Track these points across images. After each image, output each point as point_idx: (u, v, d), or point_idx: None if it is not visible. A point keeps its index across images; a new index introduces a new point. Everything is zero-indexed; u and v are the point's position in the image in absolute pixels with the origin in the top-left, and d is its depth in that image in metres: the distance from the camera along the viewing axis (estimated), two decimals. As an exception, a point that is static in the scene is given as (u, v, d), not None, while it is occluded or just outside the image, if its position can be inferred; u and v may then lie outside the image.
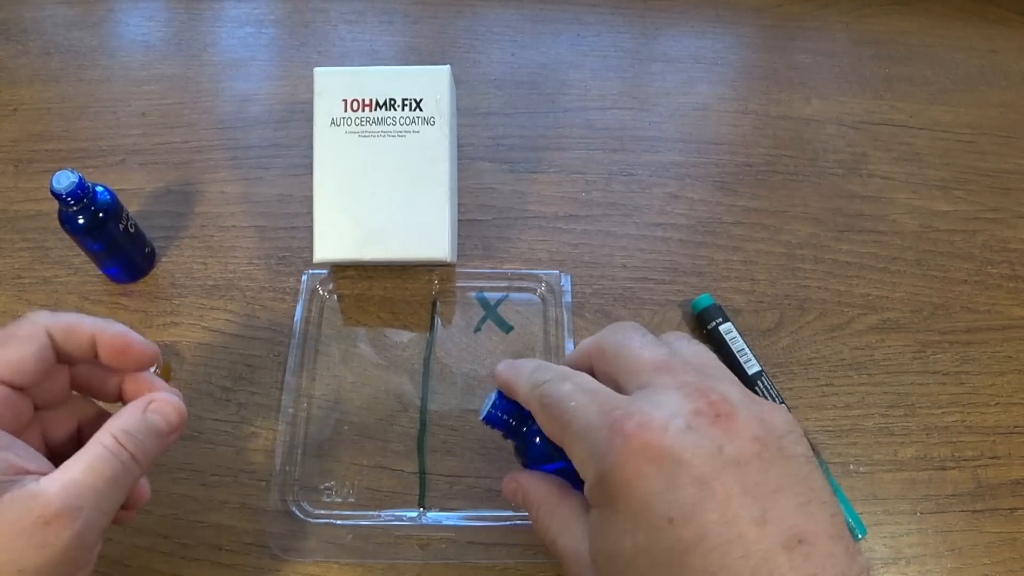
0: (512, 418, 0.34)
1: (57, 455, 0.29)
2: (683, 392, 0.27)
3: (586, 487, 0.28)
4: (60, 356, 0.30)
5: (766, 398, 0.42)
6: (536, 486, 0.32)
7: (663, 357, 0.29)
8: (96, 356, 0.31)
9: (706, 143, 0.52)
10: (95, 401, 0.33)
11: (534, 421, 0.33)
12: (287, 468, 0.40)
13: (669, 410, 0.27)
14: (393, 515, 0.39)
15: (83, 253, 0.43)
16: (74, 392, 0.33)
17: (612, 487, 0.27)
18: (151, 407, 0.30)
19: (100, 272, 0.46)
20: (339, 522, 0.39)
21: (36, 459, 0.28)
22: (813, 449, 0.40)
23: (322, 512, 0.39)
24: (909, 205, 0.50)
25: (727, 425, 0.26)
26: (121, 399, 0.33)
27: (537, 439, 0.33)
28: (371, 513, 0.39)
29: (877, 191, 0.51)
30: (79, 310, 0.45)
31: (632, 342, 0.31)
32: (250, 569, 0.39)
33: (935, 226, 0.50)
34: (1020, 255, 0.49)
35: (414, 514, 0.39)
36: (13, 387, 0.29)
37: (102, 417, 0.31)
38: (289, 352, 0.42)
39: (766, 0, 0.59)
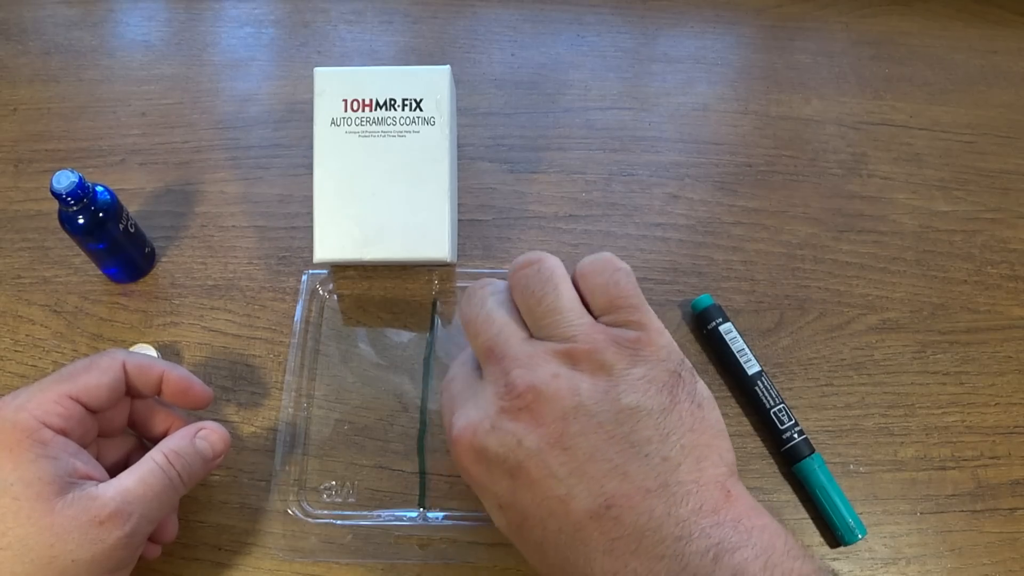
0: None
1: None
2: (495, 388, 0.29)
3: None
4: (129, 389, 0.35)
5: (766, 399, 0.42)
6: None
7: (489, 342, 0.30)
8: (159, 393, 0.36)
9: (706, 143, 0.52)
10: (143, 440, 0.38)
11: None
12: (287, 468, 0.40)
13: (482, 411, 0.29)
14: (393, 515, 0.39)
15: (83, 253, 0.43)
16: (127, 429, 0.37)
17: (465, 480, 0.31)
18: (200, 434, 0.35)
19: (100, 272, 0.46)
20: (339, 522, 0.39)
21: (97, 468, 0.32)
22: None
23: (322, 512, 0.39)
24: (909, 205, 0.50)
25: (529, 416, 0.28)
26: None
27: None
28: (371, 513, 0.39)
29: (877, 191, 0.51)
30: (79, 310, 0.45)
31: (474, 320, 0.31)
32: (250, 569, 0.39)
33: (935, 226, 0.50)
34: (1020, 255, 0.49)
35: (414, 514, 0.39)
36: (87, 408, 0.33)
37: (146, 452, 0.34)
38: (289, 352, 0.42)
39: (766, 0, 0.59)
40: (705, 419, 0.28)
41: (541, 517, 0.28)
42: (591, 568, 0.27)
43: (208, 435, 0.35)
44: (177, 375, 0.36)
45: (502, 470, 0.28)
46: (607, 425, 0.27)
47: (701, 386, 0.30)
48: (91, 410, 0.33)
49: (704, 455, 0.28)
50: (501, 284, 0.33)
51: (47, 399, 0.32)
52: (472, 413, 0.30)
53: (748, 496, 0.28)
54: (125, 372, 0.34)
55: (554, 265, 0.31)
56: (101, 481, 0.32)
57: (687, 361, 0.30)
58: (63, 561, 0.29)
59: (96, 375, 0.33)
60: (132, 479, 0.32)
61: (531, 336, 0.30)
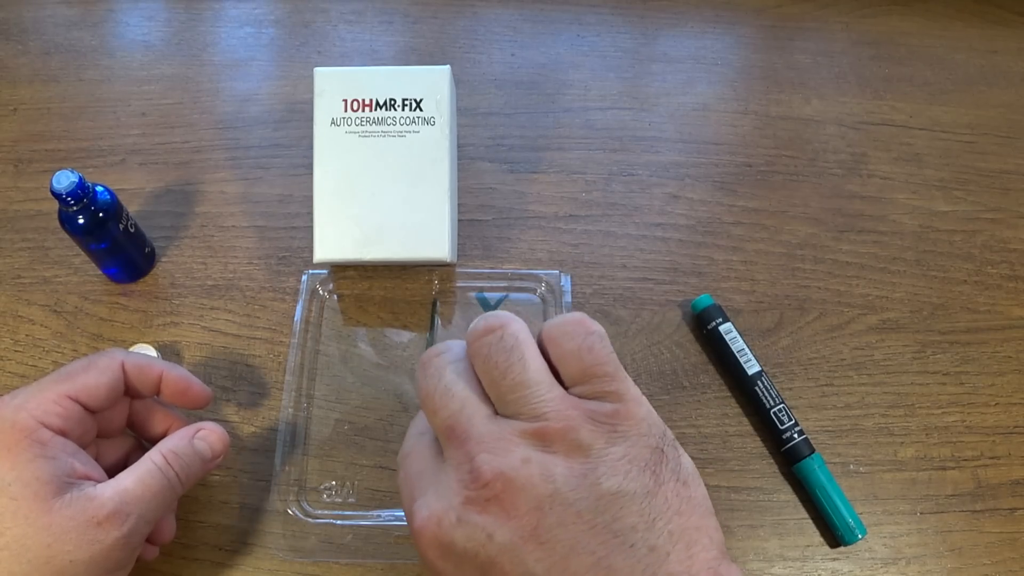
0: None
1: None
2: (459, 475, 0.26)
3: None
4: (128, 389, 0.35)
5: (766, 399, 0.42)
6: None
7: (450, 420, 0.27)
8: (158, 393, 0.36)
9: (706, 143, 0.52)
10: (142, 441, 0.38)
11: None
12: (287, 468, 0.40)
13: (446, 501, 0.26)
14: (393, 515, 0.39)
15: (83, 253, 0.43)
16: (126, 430, 0.37)
17: (428, 571, 0.28)
18: (199, 434, 0.35)
19: (100, 272, 0.46)
20: (339, 522, 0.39)
21: (96, 469, 0.32)
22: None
23: (322, 512, 0.39)
24: (909, 205, 0.50)
25: (499, 507, 0.25)
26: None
27: None
28: (371, 513, 0.39)
29: (877, 191, 0.51)
30: (79, 310, 0.45)
31: (431, 396, 0.28)
32: (250, 569, 0.39)
33: (935, 226, 0.50)
34: (1020, 255, 0.49)
35: (414, 514, 0.39)
36: (86, 408, 0.33)
37: (145, 453, 0.34)
38: (289, 352, 0.42)
39: (766, 0, 0.59)
40: (692, 498, 0.26)
41: None
42: None
43: (207, 435, 0.35)
44: (176, 375, 0.36)
45: (472, 567, 0.26)
46: (586, 514, 0.25)
47: (685, 460, 0.27)
48: (90, 410, 0.33)
49: (694, 539, 0.25)
50: (459, 350, 0.29)
51: (46, 399, 0.32)
52: (434, 503, 0.27)
53: None
54: (124, 372, 0.34)
55: (518, 331, 0.28)
56: (99, 481, 0.32)
57: (669, 432, 0.28)
58: (61, 561, 0.29)
59: (95, 375, 0.33)
60: (130, 479, 0.32)
61: (496, 412, 0.28)
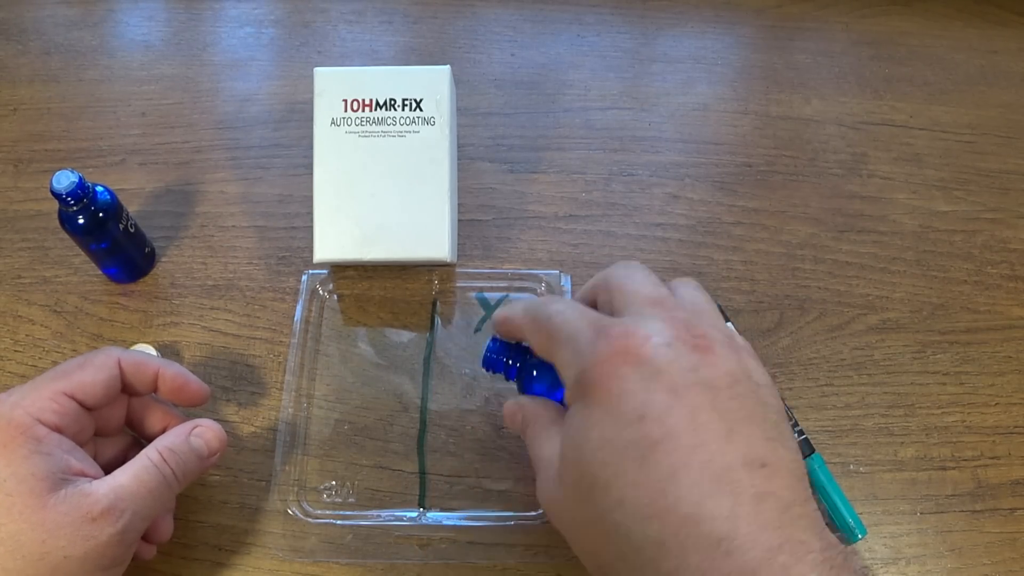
0: (508, 357, 0.36)
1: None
2: (669, 323, 0.29)
3: (566, 388, 0.30)
4: (125, 387, 0.35)
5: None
6: (534, 406, 0.34)
7: (659, 295, 0.31)
8: (155, 390, 0.36)
9: (706, 143, 0.52)
10: (139, 439, 0.38)
11: (531, 356, 0.35)
12: (287, 468, 0.40)
13: (654, 329, 0.28)
14: (393, 515, 0.39)
15: (83, 253, 0.43)
16: (125, 428, 0.37)
17: (590, 382, 0.28)
18: (195, 431, 0.35)
19: (100, 272, 0.46)
20: (339, 522, 0.39)
21: (92, 466, 0.32)
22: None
23: (322, 512, 0.39)
24: (909, 205, 0.50)
25: (705, 355, 0.28)
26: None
27: (535, 371, 0.35)
28: (371, 513, 0.39)
29: (877, 191, 0.51)
30: (79, 310, 0.45)
31: (633, 278, 0.32)
32: (250, 569, 0.39)
33: (935, 226, 0.50)
34: (1020, 255, 0.49)
35: (414, 514, 0.39)
36: (83, 405, 0.33)
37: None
38: (289, 352, 0.42)
39: (766, 0, 0.59)
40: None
41: (693, 444, 0.26)
42: (735, 517, 0.25)
43: (203, 432, 0.35)
44: (173, 371, 0.36)
45: (664, 386, 0.27)
46: (762, 407, 0.28)
47: None
48: (87, 407, 0.33)
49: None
50: None
51: (42, 396, 0.32)
52: (640, 325, 0.28)
53: None
54: (120, 369, 0.34)
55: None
56: (95, 478, 0.32)
57: None
58: (55, 557, 0.29)
59: (91, 372, 0.33)
60: (126, 476, 0.32)
61: None
